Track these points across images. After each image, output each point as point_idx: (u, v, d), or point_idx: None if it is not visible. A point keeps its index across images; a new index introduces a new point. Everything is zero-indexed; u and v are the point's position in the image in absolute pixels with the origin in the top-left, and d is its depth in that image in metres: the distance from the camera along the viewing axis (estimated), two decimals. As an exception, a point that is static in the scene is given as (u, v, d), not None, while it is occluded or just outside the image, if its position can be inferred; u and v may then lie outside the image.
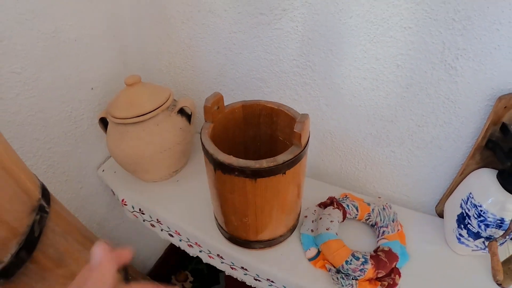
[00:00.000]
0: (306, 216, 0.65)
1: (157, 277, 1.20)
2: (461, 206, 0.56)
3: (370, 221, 0.64)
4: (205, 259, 0.73)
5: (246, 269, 0.65)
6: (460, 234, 0.56)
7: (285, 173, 0.46)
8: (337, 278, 0.55)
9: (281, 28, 0.61)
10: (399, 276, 0.55)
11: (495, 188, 0.51)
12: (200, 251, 0.72)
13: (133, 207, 0.76)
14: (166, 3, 0.71)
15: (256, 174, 0.45)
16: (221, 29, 0.68)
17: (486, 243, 0.53)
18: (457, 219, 0.57)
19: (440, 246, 0.62)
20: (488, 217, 0.51)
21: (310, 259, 0.60)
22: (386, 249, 0.57)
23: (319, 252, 0.60)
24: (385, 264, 0.54)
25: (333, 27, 0.56)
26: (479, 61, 0.49)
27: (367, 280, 0.55)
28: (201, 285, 1.26)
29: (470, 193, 0.54)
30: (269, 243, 0.60)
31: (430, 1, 0.47)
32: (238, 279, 0.70)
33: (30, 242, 0.42)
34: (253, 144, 0.63)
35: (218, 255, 0.68)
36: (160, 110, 0.66)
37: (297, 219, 0.64)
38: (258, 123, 0.60)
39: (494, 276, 0.48)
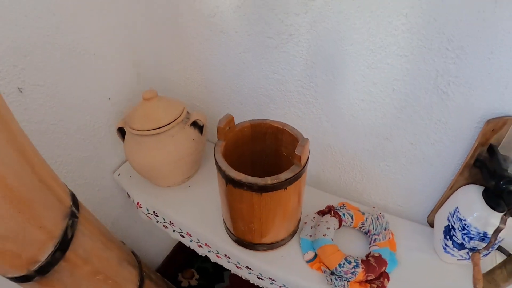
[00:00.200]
0: (305, 223, 0.70)
1: (165, 274, 1.23)
2: (448, 219, 0.59)
3: (363, 229, 0.68)
4: (213, 258, 0.77)
5: (250, 269, 0.70)
6: (446, 244, 0.60)
7: (286, 188, 0.51)
8: (331, 279, 0.60)
9: (287, 52, 0.64)
10: (388, 280, 0.60)
11: (480, 205, 0.54)
12: (209, 251, 0.77)
13: (147, 210, 0.81)
14: (181, 21, 0.74)
15: (262, 189, 0.50)
16: (232, 48, 0.71)
17: (470, 253, 0.56)
18: (444, 230, 0.60)
19: (429, 254, 0.65)
20: (472, 231, 0.54)
21: (307, 261, 0.65)
22: (376, 255, 0.61)
23: (316, 255, 0.65)
24: (374, 268, 0.59)
25: (335, 52, 0.59)
26: (469, 87, 0.51)
27: (358, 282, 0.60)
28: (206, 282, 1.28)
29: (457, 208, 0.57)
30: (272, 246, 0.65)
31: (426, 31, 0.49)
32: (243, 277, 0.74)
33: (64, 243, 0.47)
34: (260, 157, 0.68)
35: (225, 255, 0.72)
36: (176, 123, 0.70)
37: (297, 225, 0.69)
38: (264, 140, 0.64)
39: (474, 285, 0.50)
